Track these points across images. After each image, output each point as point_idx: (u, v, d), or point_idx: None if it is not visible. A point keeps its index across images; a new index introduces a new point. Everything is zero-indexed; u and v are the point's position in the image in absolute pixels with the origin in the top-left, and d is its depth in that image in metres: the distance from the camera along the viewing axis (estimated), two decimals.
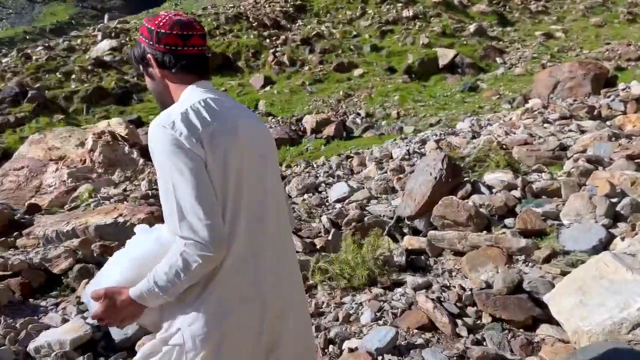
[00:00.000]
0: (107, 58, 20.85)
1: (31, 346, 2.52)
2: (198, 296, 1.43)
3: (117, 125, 9.02)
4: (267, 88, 18.42)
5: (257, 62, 21.67)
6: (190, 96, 1.50)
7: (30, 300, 3.03)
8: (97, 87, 18.38)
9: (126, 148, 6.16)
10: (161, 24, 1.51)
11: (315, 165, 7.05)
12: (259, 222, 1.50)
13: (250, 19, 24.64)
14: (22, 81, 19.30)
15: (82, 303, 2.89)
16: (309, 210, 4.67)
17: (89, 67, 20.05)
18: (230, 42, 22.37)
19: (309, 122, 12.63)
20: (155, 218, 4.06)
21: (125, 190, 5.15)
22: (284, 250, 1.61)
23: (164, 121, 1.40)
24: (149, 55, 1.55)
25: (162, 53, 1.52)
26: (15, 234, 4.30)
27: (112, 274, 1.51)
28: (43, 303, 2.99)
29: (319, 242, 3.79)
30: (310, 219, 4.50)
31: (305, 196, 5.26)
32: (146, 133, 12.71)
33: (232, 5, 28.24)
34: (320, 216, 4.44)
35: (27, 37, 54.25)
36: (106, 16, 67.21)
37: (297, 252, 3.71)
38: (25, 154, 7.26)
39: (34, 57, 21.22)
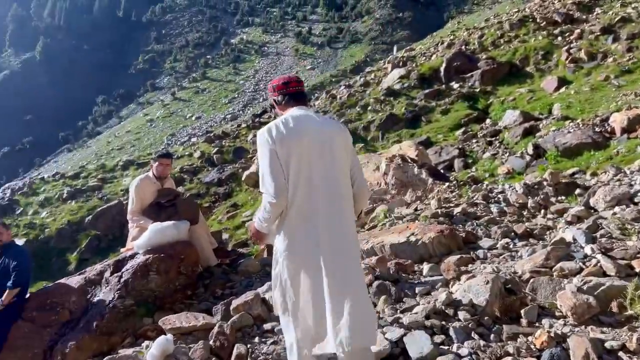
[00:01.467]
0: (396, 86, 22.49)
1: None
2: (280, 229, 2.56)
3: (407, 147, 9.53)
4: (562, 89, 16.66)
5: (548, 63, 19.93)
6: (281, 117, 2.64)
7: None
8: (389, 115, 19.97)
9: (415, 169, 6.43)
10: (275, 83, 2.79)
11: (628, 172, 5.94)
12: (314, 191, 2.50)
13: (538, 20, 22.93)
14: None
15: (382, 318, 3.09)
16: (622, 225, 3.94)
17: (382, 97, 21.99)
18: (516, 49, 21.26)
19: (617, 120, 10.80)
20: (445, 237, 4.08)
21: (416, 209, 5.34)
22: (337, 213, 2.53)
23: (262, 129, 2.60)
24: (272, 100, 2.85)
25: (276, 96, 2.77)
26: None
27: None
28: None
29: (637, 265, 3.14)
30: (624, 236, 3.78)
31: (617, 209, 4.45)
32: (435, 152, 12.89)
33: (516, 10, 26.89)
34: (638, 233, 3.69)
35: (333, 80, 63.33)
36: (395, 47, 72.73)
37: (609, 275, 3.15)
38: None
39: (338, 96, 24.51)
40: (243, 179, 19.26)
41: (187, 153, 24.48)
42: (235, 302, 3.49)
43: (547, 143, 11.50)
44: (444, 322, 2.89)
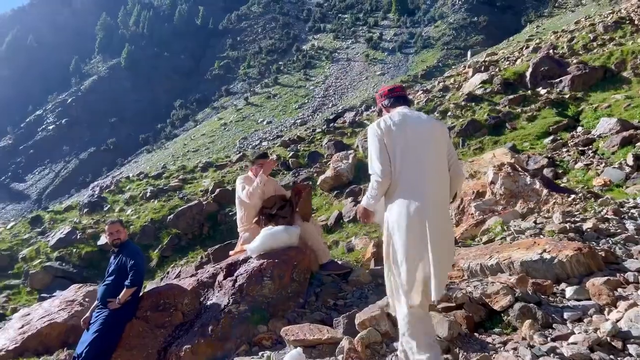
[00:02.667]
0: (478, 91, 21.65)
1: None
2: (389, 203, 3.00)
3: (502, 155, 8.99)
4: None
5: None
6: (387, 115, 3.21)
7: (475, 334, 3.11)
8: (470, 120, 19.20)
9: (528, 178, 5.94)
10: (382, 91, 3.39)
11: None
12: (416, 172, 2.96)
13: (636, 21, 21.31)
14: None
15: (534, 346, 2.76)
16: None
17: (462, 103, 21.23)
18: (611, 52, 19.83)
19: None
20: (584, 255, 3.66)
21: (536, 222, 4.90)
22: (437, 190, 3.00)
23: (372, 124, 3.16)
24: (380, 105, 3.39)
25: (384, 101, 3.35)
26: None
27: None
28: (488, 339, 3.00)
29: None
30: None
31: None
32: (522, 161, 12.09)
33: (610, 11, 25.10)
34: None
35: (404, 85, 62.45)
36: (469, 53, 70.63)
37: None
38: None
39: (415, 101, 23.98)
40: (318, 183, 19.19)
41: None
42: (361, 317, 3.28)
43: None
44: (612, 356, 2.53)
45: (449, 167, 3.11)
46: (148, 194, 22.89)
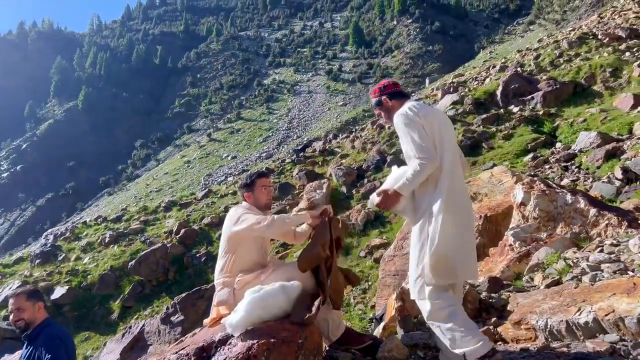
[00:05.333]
0: (450, 113, 21.11)
1: None
2: (433, 191, 3.02)
3: (501, 173, 8.10)
4: None
5: (618, 80, 18.36)
6: (407, 104, 3.21)
7: None
8: None
9: (568, 196, 4.88)
10: (384, 84, 3.44)
11: None
12: (452, 157, 3.04)
13: (599, 36, 21.40)
14: (380, 149, 21.26)
15: None
16: None
17: None
18: (579, 67, 19.72)
19: None
20: None
21: (603, 251, 3.73)
22: (462, 176, 3.22)
23: (404, 112, 3.12)
24: (384, 98, 3.36)
25: (389, 94, 3.36)
26: (493, 319, 3.42)
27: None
28: None
29: None
30: None
31: None
32: None
33: (571, 29, 25.34)
34: None
35: (366, 115, 62.60)
36: (427, 80, 71.85)
37: None
38: None
39: (386, 126, 23.27)
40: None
41: (230, 191, 23.49)
42: None
43: (638, 166, 10.15)
44: None
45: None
46: (107, 239, 21.08)
